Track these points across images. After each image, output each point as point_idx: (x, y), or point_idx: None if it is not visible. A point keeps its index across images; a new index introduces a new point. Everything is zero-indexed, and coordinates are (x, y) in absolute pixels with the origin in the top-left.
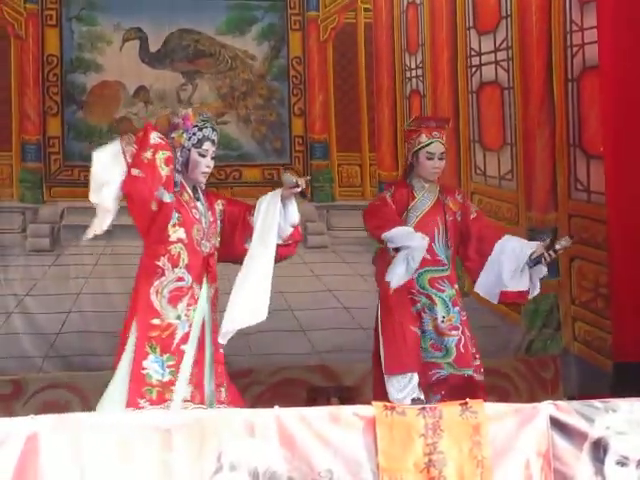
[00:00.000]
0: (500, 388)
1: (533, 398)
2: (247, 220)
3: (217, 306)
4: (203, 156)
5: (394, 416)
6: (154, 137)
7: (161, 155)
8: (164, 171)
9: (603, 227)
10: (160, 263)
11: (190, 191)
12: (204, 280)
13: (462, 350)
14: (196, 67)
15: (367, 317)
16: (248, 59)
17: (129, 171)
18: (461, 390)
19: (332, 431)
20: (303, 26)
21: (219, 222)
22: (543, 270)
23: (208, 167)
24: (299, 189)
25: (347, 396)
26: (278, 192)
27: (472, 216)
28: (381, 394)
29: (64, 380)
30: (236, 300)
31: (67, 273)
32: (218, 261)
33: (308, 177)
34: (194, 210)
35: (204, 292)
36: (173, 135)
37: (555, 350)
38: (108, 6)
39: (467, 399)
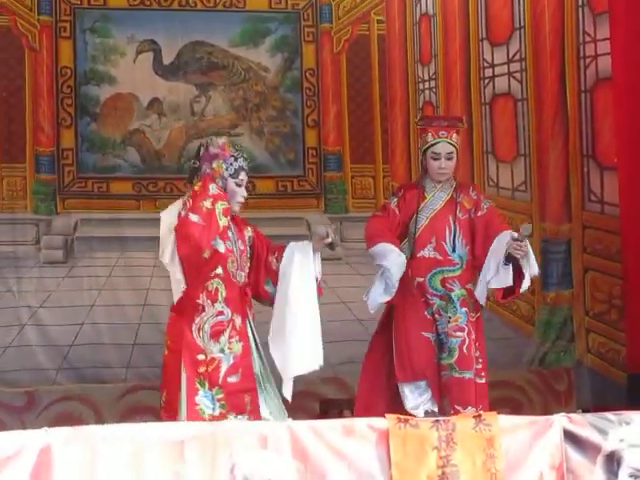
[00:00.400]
0: (513, 400)
1: (547, 410)
2: (269, 261)
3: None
4: (239, 186)
5: (407, 429)
6: (213, 188)
7: (220, 206)
8: (222, 222)
9: (617, 238)
10: (200, 300)
11: None
12: (243, 310)
13: (465, 352)
14: (209, 79)
15: None
16: (261, 71)
17: (187, 215)
18: (460, 393)
19: (345, 443)
20: (316, 38)
21: (249, 249)
22: (530, 264)
23: (243, 197)
24: (329, 240)
25: None
26: (309, 245)
27: (480, 212)
28: (366, 402)
29: (77, 392)
30: (290, 352)
31: (80, 285)
32: None
33: (334, 226)
34: (227, 242)
35: (245, 322)
36: (214, 165)
37: (569, 362)
38: (122, 18)
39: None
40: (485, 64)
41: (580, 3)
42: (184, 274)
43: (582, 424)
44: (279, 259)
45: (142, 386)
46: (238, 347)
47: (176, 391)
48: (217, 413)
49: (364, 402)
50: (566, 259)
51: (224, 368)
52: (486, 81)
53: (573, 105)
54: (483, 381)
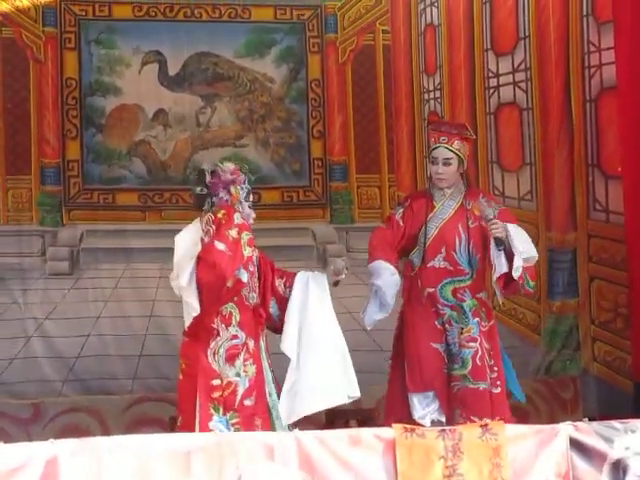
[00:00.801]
0: (520, 409)
1: (553, 419)
2: (275, 285)
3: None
4: (251, 208)
5: (414, 438)
6: (238, 217)
7: (245, 236)
8: (246, 252)
9: (622, 247)
10: (214, 325)
11: None
12: (256, 333)
13: (478, 362)
14: (215, 90)
15: (386, 339)
16: (267, 82)
17: (213, 243)
18: (476, 404)
19: (352, 453)
20: (322, 48)
21: (256, 269)
22: (514, 245)
23: (253, 219)
24: (342, 277)
25: (366, 418)
26: (324, 277)
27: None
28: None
29: (83, 404)
30: (322, 385)
31: (86, 296)
32: None
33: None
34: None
35: (258, 344)
36: (232, 192)
37: (575, 371)
38: (127, 29)
39: (484, 419)
40: (490, 74)
41: (585, 12)
42: (199, 299)
43: (588, 432)
44: (288, 285)
45: (148, 397)
46: (252, 370)
47: (192, 416)
48: None
49: (391, 411)
50: (572, 268)
51: (241, 391)
52: (491, 91)
53: (578, 114)
54: (499, 390)
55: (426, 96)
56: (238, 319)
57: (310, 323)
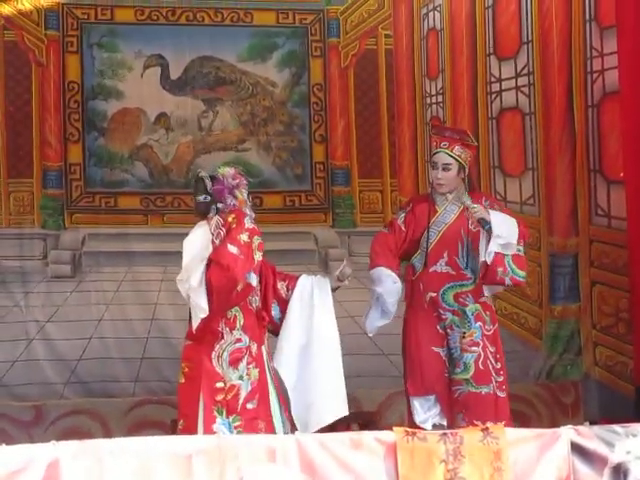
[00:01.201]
0: (521, 413)
1: (554, 423)
2: (277, 288)
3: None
4: (251, 209)
5: (415, 442)
6: (248, 221)
7: (256, 241)
8: (257, 256)
9: (624, 252)
10: (219, 328)
11: None
12: (259, 336)
13: (481, 367)
14: (217, 94)
15: (388, 343)
16: (269, 86)
17: (225, 246)
18: (478, 408)
19: (353, 457)
20: (324, 52)
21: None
22: (493, 224)
23: (254, 219)
24: (346, 284)
25: (367, 422)
26: (327, 282)
27: None
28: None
29: (85, 406)
30: (320, 399)
31: (88, 299)
32: None
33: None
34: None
35: (261, 348)
36: (238, 196)
37: (576, 375)
38: (129, 33)
39: (487, 423)
40: (492, 78)
41: (587, 17)
42: (209, 301)
43: (589, 436)
44: (290, 288)
45: (150, 400)
46: (255, 373)
47: (194, 419)
48: None
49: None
50: (573, 273)
51: (243, 394)
52: (493, 95)
53: (580, 119)
54: (504, 395)
55: (428, 100)
56: (242, 323)
57: (314, 329)
